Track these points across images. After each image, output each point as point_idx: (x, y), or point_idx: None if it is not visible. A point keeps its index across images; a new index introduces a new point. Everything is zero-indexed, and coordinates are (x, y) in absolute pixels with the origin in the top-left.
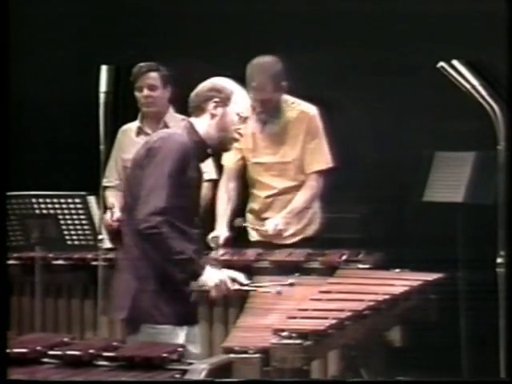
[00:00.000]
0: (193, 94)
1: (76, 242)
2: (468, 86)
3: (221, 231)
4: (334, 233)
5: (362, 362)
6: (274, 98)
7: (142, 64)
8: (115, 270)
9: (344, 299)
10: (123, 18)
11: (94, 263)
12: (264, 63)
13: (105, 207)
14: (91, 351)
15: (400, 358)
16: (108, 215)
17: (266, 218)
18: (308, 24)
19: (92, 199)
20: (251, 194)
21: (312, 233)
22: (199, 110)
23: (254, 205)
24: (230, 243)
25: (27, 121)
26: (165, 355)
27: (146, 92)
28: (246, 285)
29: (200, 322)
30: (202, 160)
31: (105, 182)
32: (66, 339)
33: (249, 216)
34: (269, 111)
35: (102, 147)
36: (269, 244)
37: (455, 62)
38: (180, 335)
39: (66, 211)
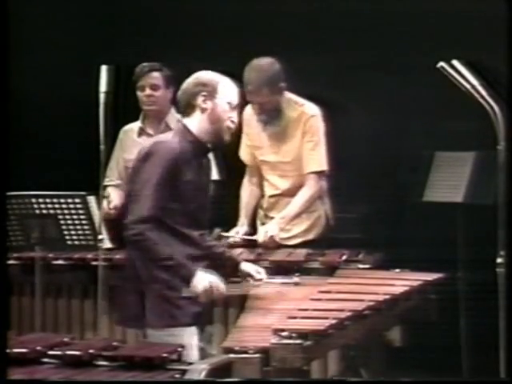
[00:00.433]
0: (179, 92)
1: (76, 242)
2: (468, 86)
3: (240, 228)
4: (333, 233)
5: (361, 362)
6: (271, 100)
7: (144, 64)
8: (122, 279)
9: (344, 299)
10: (123, 18)
11: (94, 263)
12: (260, 66)
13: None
14: (91, 351)
15: (400, 357)
16: (105, 203)
17: (271, 217)
18: (308, 24)
19: (92, 199)
20: (263, 191)
21: (313, 236)
22: (189, 107)
23: (262, 202)
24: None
25: (27, 120)
26: (164, 355)
27: (147, 91)
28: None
29: None
30: (203, 157)
31: (106, 182)
32: (65, 339)
33: (260, 212)
34: (268, 112)
35: (102, 147)
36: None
37: (455, 62)
38: (193, 336)
39: (65, 211)
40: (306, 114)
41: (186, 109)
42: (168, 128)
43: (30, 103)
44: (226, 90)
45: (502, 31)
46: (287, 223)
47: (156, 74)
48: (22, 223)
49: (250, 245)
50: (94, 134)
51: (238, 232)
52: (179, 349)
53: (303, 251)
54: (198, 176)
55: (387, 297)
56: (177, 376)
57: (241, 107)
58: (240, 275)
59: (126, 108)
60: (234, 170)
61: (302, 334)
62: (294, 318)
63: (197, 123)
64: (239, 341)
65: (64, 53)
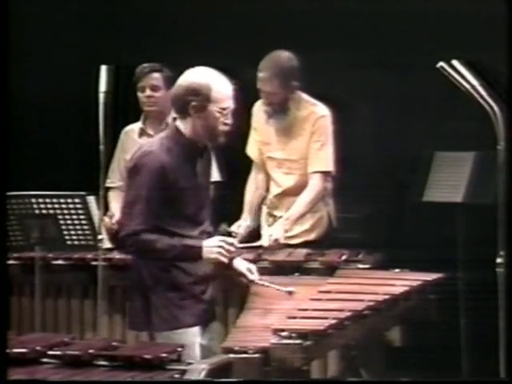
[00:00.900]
0: (172, 96)
1: (76, 242)
2: (468, 86)
3: (242, 222)
4: (333, 233)
5: (361, 362)
6: (279, 93)
7: (144, 65)
8: (130, 285)
9: (344, 299)
10: (124, 18)
11: (94, 263)
12: (278, 57)
13: (106, 208)
14: (91, 351)
15: (400, 358)
16: (107, 218)
17: (275, 216)
18: (307, 24)
19: (92, 199)
20: (269, 189)
21: (315, 237)
22: (182, 113)
23: (268, 199)
24: (251, 232)
25: (27, 120)
26: (164, 355)
27: (148, 92)
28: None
29: None
30: (199, 156)
31: (107, 183)
32: (65, 339)
33: (264, 210)
34: (273, 105)
35: (101, 147)
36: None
37: (455, 62)
38: (196, 335)
39: (65, 211)
40: (316, 114)
41: (179, 113)
42: None
43: (30, 103)
44: (219, 95)
45: (501, 31)
46: (292, 224)
47: (156, 75)
48: (21, 223)
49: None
50: (93, 133)
51: (240, 226)
52: (179, 349)
53: (303, 251)
54: (195, 177)
55: (387, 297)
56: (176, 376)
57: (240, 105)
58: (233, 273)
59: (125, 108)
60: (236, 170)
61: (302, 334)
62: (294, 317)
63: (190, 126)
64: (239, 341)
65: (64, 53)
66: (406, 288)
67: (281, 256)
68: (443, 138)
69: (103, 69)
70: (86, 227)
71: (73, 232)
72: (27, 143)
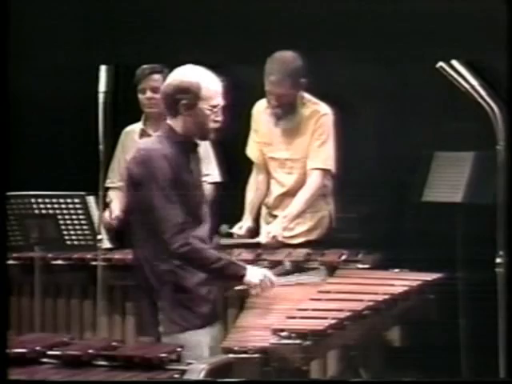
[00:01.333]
0: (161, 93)
1: (75, 242)
2: (467, 86)
3: (243, 223)
4: (333, 233)
5: (361, 362)
6: (290, 93)
7: (145, 66)
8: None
9: (343, 299)
10: (123, 18)
11: (94, 263)
12: (284, 57)
13: (105, 207)
14: (90, 351)
15: (399, 357)
16: (107, 214)
17: (275, 216)
18: (307, 23)
19: (91, 199)
20: (269, 189)
21: (316, 236)
22: (172, 111)
23: (268, 200)
24: (252, 234)
25: (27, 120)
26: (164, 355)
27: (149, 94)
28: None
29: None
30: (193, 153)
31: (107, 183)
32: (65, 339)
33: (263, 210)
34: (284, 107)
35: (101, 147)
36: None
37: (454, 62)
38: (206, 335)
39: (65, 211)
40: (318, 112)
41: (169, 111)
42: None
43: (30, 103)
44: (208, 93)
45: (502, 31)
46: (290, 222)
47: (157, 77)
48: (21, 223)
49: (252, 246)
50: (93, 133)
51: (242, 227)
52: (179, 349)
53: (303, 251)
54: (191, 174)
55: (386, 297)
56: (176, 376)
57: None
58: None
59: (125, 108)
60: (236, 171)
61: (302, 334)
62: (294, 317)
63: (181, 124)
64: (239, 341)
65: (64, 53)
66: (405, 288)
67: (280, 256)
68: (442, 138)
69: (103, 69)
70: (85, 227)
71: (72, 232)
72: (27, 143)
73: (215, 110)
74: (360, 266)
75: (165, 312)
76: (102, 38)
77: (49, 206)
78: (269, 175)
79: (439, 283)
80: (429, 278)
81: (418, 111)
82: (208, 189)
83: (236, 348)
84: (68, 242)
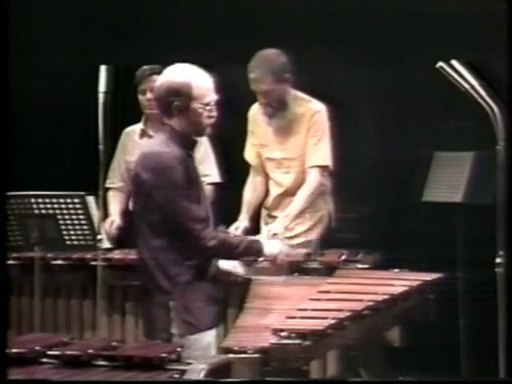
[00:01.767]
0: (154, 94)
1: (75, 242)
2: (467, 86)
3: (240, 223)
4: (333, 233)
5: (361, 362)
6: (275, 89)
7: (145, 67)
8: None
9: (343, 299)
10: (123, 19)
11: (93, 263)
12: (265, 55)
13: (105, 209)
14: (90, 351)
15: (399, 357)
16: (107, 224)
17: (275, 217)
18: (307, 22)
19: (91, 199)
20: (268, 190)
21: (316, 236)
22: (166, 113)
23: (267, 202)
24: (249, 234)
25: (27, 120)
26: (164, 355)
27: (149, 95)
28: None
29: None
30: (190, 151)
31: (107, 184)
32: (65, 339)
33: (263, 211)
34: (273, 104)
35: (101, 147)
36: None
37: (454, 62)
38: (213, 336)
39: (65, 211)
40: (311, 110)
41: (164, 113)
42: None
43: (30, 103)
44: (200, 92)
45: (502, 31)
46: (291, 221)
47: (157, 78)
48: (21, 223)
49: None
50: (93, 133)
51: (238, 227)
52: (178, 349)
53: (302, 251)
54: (194, 172)
55: (386, 297)
56: (176, 376)
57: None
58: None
59: (125, 108)
60: (235, 172)
61: (301, 334)
62: (293, 318)
63: (177, 124)
64: (238, 341)
65: (64, 53)
66: (405, 288)
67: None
68: (442, 138)
69: (103, 69)
70: (85, 227)
71: (72, 232)
72: (27, 143)
73: (208, 107)
74: (360, 266)
75: (178, 314)
76: (102, 38)
77: (49, 206)
78: (266, 177)
79: (439, 283)
80: (429, 278)
81: (417, 111)
82: (207, 189)
83: (236, 348)
84: (68, 242)
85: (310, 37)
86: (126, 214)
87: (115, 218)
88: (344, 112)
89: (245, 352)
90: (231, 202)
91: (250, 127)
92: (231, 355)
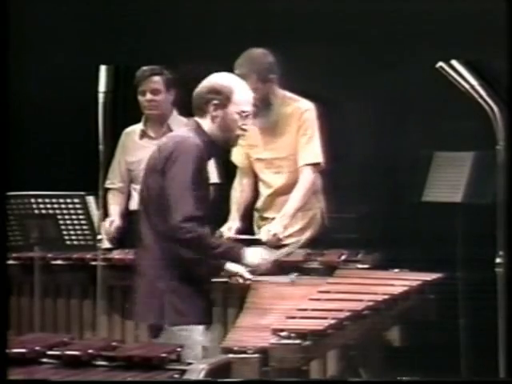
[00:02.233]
0: (194, 94)
1: (75, 242)
2: (467, 86)
3: (232, 224)
4: (332, 233)
5: (360, 362)
6: (259, 88)
7: (145, 68)
8: (137, 275)
9: (343, 299)
10: (123, 18)
11: (93, 263)
12: (251, 54)
13: (105, 209)
14: (90, 351)
15: (399, 357)
16: (107, 223)
17: (266, 218)
18: (306, 22)
19: (91, 199)
20: (258, 192)
21: (309, 235)
22: (201, 111)
23: (258, 202)
24: (242, 235)
25: (27, 120)
26: (164, 355)
27: (149, 96)
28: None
29: None
30: (211, 158)
31: (107, 184)
32: (65, 339)
33: (255, 214)
34: (256, 103)
35: (101, 147)
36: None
37: (454, 62)
38: (202, 333)
39: (65, 211)
40: (300, 109)
41: (198, 111)
42: (170, 130)
43: (30, 103)
44: (239, 98)
45: (502, 31)
46: (289, 219)
47: (157, 78)
48: (21, 223)
49: (251, 242)
50: (93, 133)
51: (231, 228)
52: (178, 349)
53: (302, 251)
54: (208, 174)
55: (386, 297)
56: (176, 376)
57: None
58: (224, 275)
59: (125, 108)
60: (233, 172)
61: (301, 334)
62: (293, 318)
63: (208, 125)
64: (238, 341)
65: (64, 52)
66: (405, 288)
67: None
68: (442, 138)
69: (103, 69)
70: (85, 227)
71: (72, 232)
72: (27, 143)
73: (244, 115)
74: (360, 266)
75: (173, 303)
76: (102, 38)
77: (49, 206)
78: (254, 178)
79: (439, 283)
80: (429, 278)
81: (417, 111)
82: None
83: (236, 348)
84: (68, 242)
85: (310, 37)
86: (125, 214)
87: (115, 218)
88: (344, 112)
89: (245, 352)
90: (229, 202)
91: None
92: (231, 355)
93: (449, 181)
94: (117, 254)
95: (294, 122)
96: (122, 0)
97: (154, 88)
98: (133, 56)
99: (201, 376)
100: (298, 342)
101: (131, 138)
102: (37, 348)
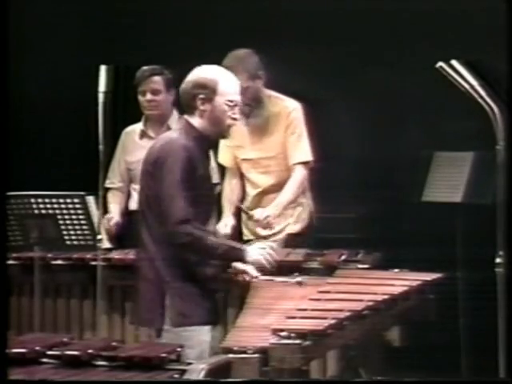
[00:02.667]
0: (180, 90)
1: (75, 242)
2: (467, 86)
3: (227, 220)
4: (332, 233)
5: (360, 362)
6: (250, 87)
7: (145, 68)
8: (138, 277)
9: (343, 299)
10: (123, 18)
11: (93, 263)
12: (238, 54)
13: (105, 209)
14: (90, 351)
15: (399, 357)
16: (106, 220)
17: (256, 220)
18: (306, 21)
19: (91, 199)
20: (245, 192)
21: (298, 229)
22: (189, 107)
23: (245, 203)
24: (235, 231)
25: (27, 120)
26: (164, 355)
27: (149, 96)
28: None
29: None
30: (208, 150)
31: (107, 184)
32: (64, 339)
33: (242, 215)
34: (249, 102)
35: (101, 147)
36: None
37: (454, 62)
38: (207, 333)
39: (64, 211)
40: (288, 108)
41: (187, 108)
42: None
43: (30, 103)
44: (225, 88)
45: (502, 31)
46: (282, 209)
47: (157, 79)
48: (21, 223)
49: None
50: (93, 133)
51: (227, 225)
52: (178, 349)
53: (302, 251)
54: (206, 170)
55: (386, 297)
56: (176, 376)
57: None
58: (234, 272)
59: (125, 108)
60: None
61: (301, 334)
62: (293, 317)
63: (198, 120)
64: (238, 341)
65: (64, 53)
66: (405, 288)
67: (280, 256)
68: (442, 138)
69: (103, 69)
70: (85, 227)
71: (72, 232)
72: (27, 143)
73: (232, 104)
74: (360, 266)
75: (175, 305)
76: (102, 38)
77: (49, 206)
78: (242, 178)
79: (439, 283)
80: (429, 278)
81: (417, 111)
82: None
83: (235, 348)
84: (68, 242)
85: (309, 37)
86: (125, 214)
87: (114, 214)
88: (344, 112)
89: (245, 352)
90: None
91: None
92: (231, 355)
93: (449, 181)
94: (117, 254)
95: (282, 121)
96: (122, 0)
97: (154, 88)
98: (133, 56)
99: (201, 376)
100: (297, 342)
101: (131, 138)
102: (37, 348)
